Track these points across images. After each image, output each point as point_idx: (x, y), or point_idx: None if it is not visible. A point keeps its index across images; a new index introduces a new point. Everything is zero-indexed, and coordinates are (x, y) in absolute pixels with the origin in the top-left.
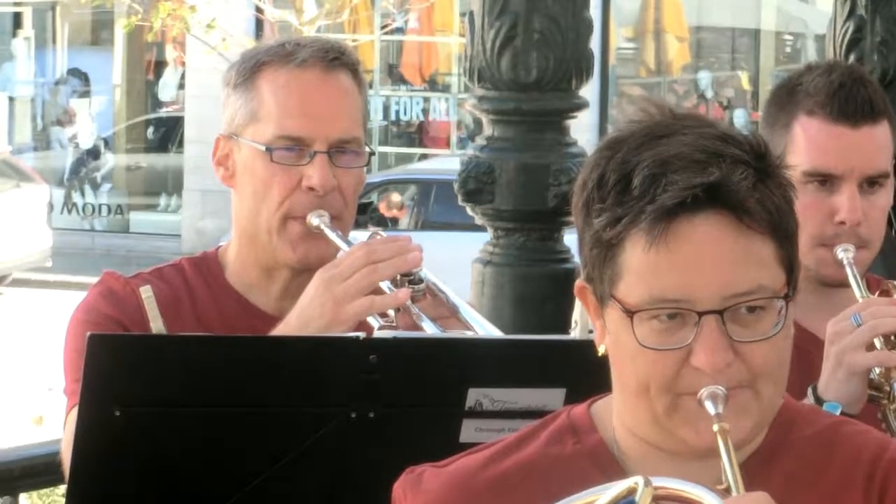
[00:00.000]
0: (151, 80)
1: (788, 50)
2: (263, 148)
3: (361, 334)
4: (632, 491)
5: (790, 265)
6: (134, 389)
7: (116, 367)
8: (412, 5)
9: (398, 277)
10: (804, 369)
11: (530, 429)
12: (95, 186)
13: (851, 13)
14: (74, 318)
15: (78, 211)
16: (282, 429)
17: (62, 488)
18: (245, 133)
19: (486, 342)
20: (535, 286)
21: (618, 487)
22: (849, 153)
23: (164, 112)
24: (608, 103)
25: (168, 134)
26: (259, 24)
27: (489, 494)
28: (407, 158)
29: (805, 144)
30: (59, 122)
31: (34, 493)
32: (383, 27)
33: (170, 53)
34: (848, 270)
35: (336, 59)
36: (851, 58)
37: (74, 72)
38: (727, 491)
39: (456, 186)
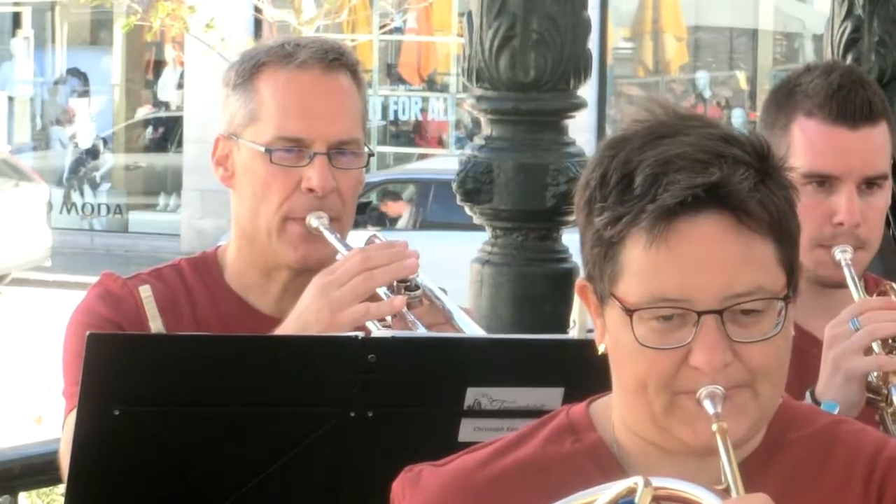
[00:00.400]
0: (151, 79)
1: (786, 50)
2: (263, 149)
3: (360, 334)
4: (631, 491)
5: (791, 267)
6: (133, 389)
7: (115, 367)
8: (410, 5)
9: (395, 283)
10: (802, 370)
11: (529, 428)
12: (94, 186)
13: (849, 13)
14: (73, 321)
15: (77, 210)
16: (281, 428)
17: (61, 487)
18: (244, 133)
19: (485, 342)
20: (534, 286)
21: (617, 487)
22: (847, 155)
23: (146, 115)
24: (606, 103)
25: (167, 134)
26: (258, 24)
27: (487, 493)
28: (405, 158)
29: (803, 146)
30: (59, 122)
31: (34, 493)
32: (382, 27)
33: (169, 53)
34: (846, 271)
35: (335, 59)
36: (849, 58)
37: (73, 71)
38: (726, 491)
39: (454, 186)
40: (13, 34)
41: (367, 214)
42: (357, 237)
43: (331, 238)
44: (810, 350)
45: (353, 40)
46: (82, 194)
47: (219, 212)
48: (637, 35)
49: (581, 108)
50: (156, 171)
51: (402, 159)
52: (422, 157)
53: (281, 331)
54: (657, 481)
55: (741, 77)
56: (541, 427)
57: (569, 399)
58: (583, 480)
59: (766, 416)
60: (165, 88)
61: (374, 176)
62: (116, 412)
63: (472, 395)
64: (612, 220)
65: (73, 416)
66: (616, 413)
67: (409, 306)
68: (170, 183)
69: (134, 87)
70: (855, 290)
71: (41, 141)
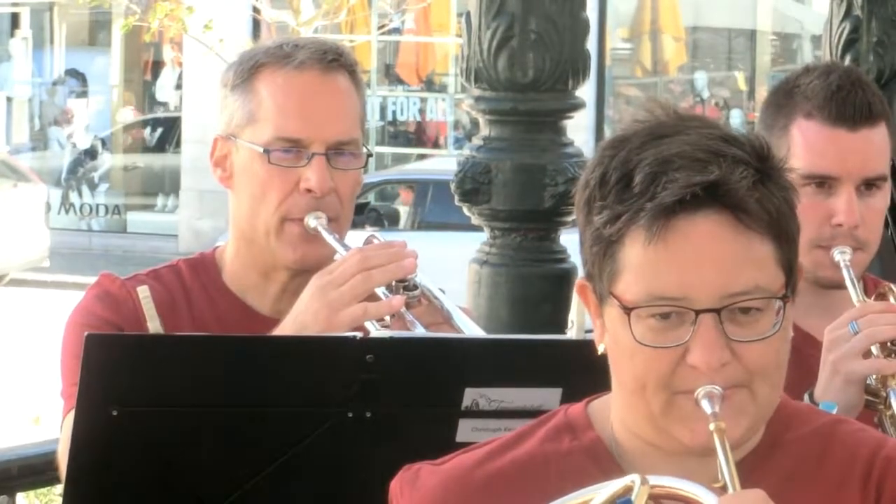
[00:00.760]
0: (149, 80)
1: (784, 50)
2: (261, 149)
3: (358, 334)
4: (628, 489)
5: (789, 266)
6: (131, 389)
7: (114, 367)
8: (409, 6)
9: (393, 283)
10: (801, 370)
11: (527, 427)
12: (93, 186)
13: (847, 14)
14: (71, 322)
15: (75, 211)
16: (279, 428)
17: (59, 488)
18: (243, 134)
19: (483, 342)
20: (532, 286)
21: (614, 486)
22: (846, 156)
23: (126, 119)
24: (604, 104)
25: (166, 134)
26: (256, 25)
27: (485, 491)
28: (403, 159)
29: (803, 147)
30: (57, 123)
31: (31, 493)
32: (380, 27)
33: (167, 54)
34: (845, 273)
35: (334, 60)
36: (847, 58)
37: (72, 72)
38: (723, 489)
39: (453, 186)
40: (11, 35)
41: (366, 215)
42: (355, 237)
43: (329, 238)
44: (809, 351)
45: (351, 41)
46: (80, 195)
47: (217, 212)
48: (635, 36)
49: (579, 109)
50: (154, 172)
51: (400, 160)
52: (420, 157)
53: (279, 331)
54: (654, 479)
55: (739, 78)
56: (539, 426)
57: (567, 399)
58: (580, 478)
59: (764, 417)
60: (163, 89)
61: (372, 176)
62: (114, 412)
63: (471, 396)
64: (611, 218)
65: (71, 416)
66: (615, 413)
67: (407, 306)
68: (168, 183)
69: (132, 87)
70: (854, 292)
71: (39, 141)
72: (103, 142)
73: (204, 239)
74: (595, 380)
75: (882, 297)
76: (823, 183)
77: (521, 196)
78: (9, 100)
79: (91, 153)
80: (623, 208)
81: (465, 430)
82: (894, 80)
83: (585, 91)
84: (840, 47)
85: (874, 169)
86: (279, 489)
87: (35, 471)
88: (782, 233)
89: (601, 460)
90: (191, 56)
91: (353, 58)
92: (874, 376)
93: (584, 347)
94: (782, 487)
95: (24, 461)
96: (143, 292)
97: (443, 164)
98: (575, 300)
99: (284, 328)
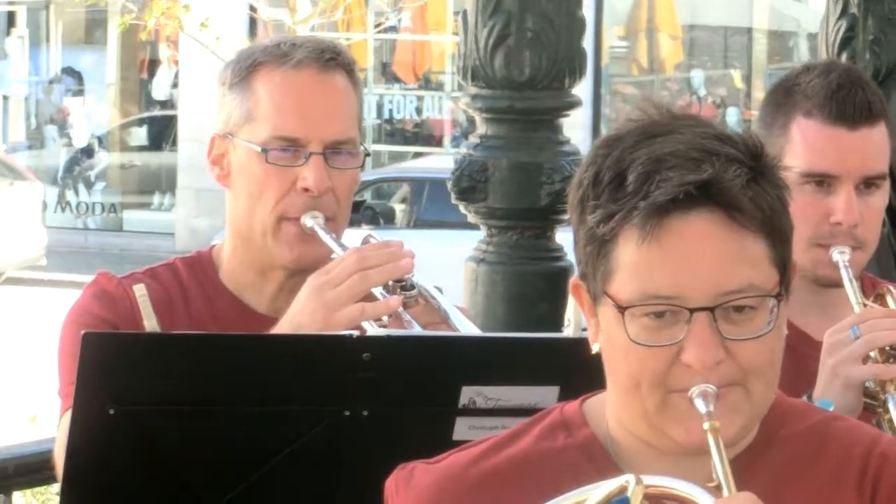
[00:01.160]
0: (145, 78)
1: (781, 49)
2: (259, 148)
3: (355, 332)
4: (623, 489)
5: (783, 265)
6: (128, 388)
7: (111, 366)
8: (405, 4)
9: (390, 283)
10: (797, 369)
11: (522, 425)
12: (89, 185)
13: (844, 12)
14: (68, 320)
15: (72, 209)
16: (276, 427)
17: (56, 486)
18: (240, 133)
19: (480, 340)
20: (529, 284)
21: (609, 486)
22: (846, 155)
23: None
24: (601, 102)
25: (162, 133)
26: (253, 23)
27: (480, 489)
28: (400, 157)
29: (802, 146)
30: (53, 121)
31: (28, 492)
32: (377, 26)
33: (163, 52)
34: (843, 273)
35: (332, 59)
36: (844, 56)
37: (68, 70)
38: (718, 489)
39: (449, 185)
40: (8, 33)
41: (361, 213)
42: (352, 236)
43: (326, 238)
44: (805, 349)
45: (347, 39)
46: (77, 193)
47: (213, 211)
48: (632, 34)
49: (576, 107)
50: (150, 170)
51: (397, 158)
52: (417, 155)
53: (276, 331)
54: (648, 479)
55: (736, 76)
56: (534, 424)
57: (564, 397)
58: (575, 475)
59: (758, 415)
60: (160, 87)
61: (368, 174)
62: (111, 411)
63: (467, 394)
64: (604, 217)
65: (68, 415)
66: (610, 411)
67: (404, 306)
68: (164, 182)
69: (128, 86)
70: (852, 292)
71: (36, 140)
72: (100, 140)
73: (200, 237)
74: (592, 377)
75: (881, 297)
76: (822, 181)
77: (517, 194)
78: (5, 98)
79: (87, 151)
80: (616, 207)
81: (462, 428)
82: (890, 78)
83: (582, 89)
84: (836, 45)
85: (873, 168)
86: (276, 487)
87: (32, 470)
88: (776, 231)
89: (596, 458)
90: (187, 54)
91: (351, 57)
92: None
93: (581, 345)
94: (777, 484)
95: (21, 460)
96: (140, 291)
97: (439, 162)
98: (571, 298)
99: (281, 328)
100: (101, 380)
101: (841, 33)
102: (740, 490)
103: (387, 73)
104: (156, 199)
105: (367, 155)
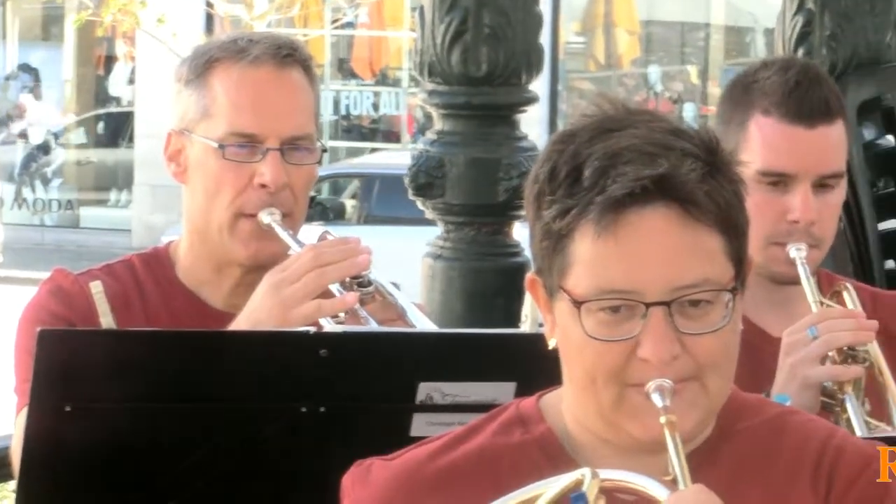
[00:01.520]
0: (102, 75)
1: (738, 44)
2: (216, 144)
3: (312, 329)
4: (578, 483)
5: (739, 259)
6: (84, 385)
7: (67, 363)
8: (362, 0)
9: (347, 280)
10: (754, 365)
11: (478, 421)
12: (46, 182)
13: (800, 7)
14: (24, 317)
15: (28, 206)
16: (232, 424)
17: (13, 484)
18: (197, 129)
19: (437, 336)
20: (486, 280)
21: (564, 480)
22: (803, 154)
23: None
24: (558, 98)
25: (119, 129)
26: (209, 19)
27: (437, 484)
28: (357, 153)
29: (760, 144)
30: (10, 118)
31: None
32: (334, 22)
33: (120, 48)
34: (800, 270)
35: (289, 55)
36: (800, 52)
37: (25, 67)
38: (674, 482)
39: (406, 181)
40: None
41: (312, 209)
42: (309, 232)
43: (283, 234)
44: (763, 346)
45: (304, 35)
46: (33, 190)
47: (170, 207)
48: (588, 29)
49: (533, 103)
50: (107, 167)
51: (354, 154)
52: (373, 151)
53: (233, 328)
54: (604, 473)
55: (693, 71)
56: (490, 420)
57: (521, 393)
58: (532, 471)
59: (715, 409)
60: (116, 84)
61: (321, 170)
62: (68, 408)
63: (425, 390)
64: (560, 212)
65: (24, 412)
66: (567, 407)
67: (361, 302)
68: (121, 178)
69: (85, 82)
70: (809, 290)
71: None
72: (56, 137)
73: (157, 234)
74: (548, 373)
75: (837, 295)
76: (779, 180)
77: (474, 190)
78: None
79: (44, 148)
80: (572, 202)
81: (420, 424)
82: (847, 73)
83: (539, 85)
84: (793, 41)
85: (830, 167)
86: (233, 484)
87: None
88: (731, 225)
89: (553, 454)
90: (144, 51)
91: (308, 53)
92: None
93: (538, 341)
94: (734, 478)
95: None
96: (96, 287)
97: (389, 158)
98: (528, 294)
99: (238, 325)
100: (58, 377)
101: (798, 29)
102: (694, 484)
103: (344, 70)
104: (112, 195)
105: (324, 151)
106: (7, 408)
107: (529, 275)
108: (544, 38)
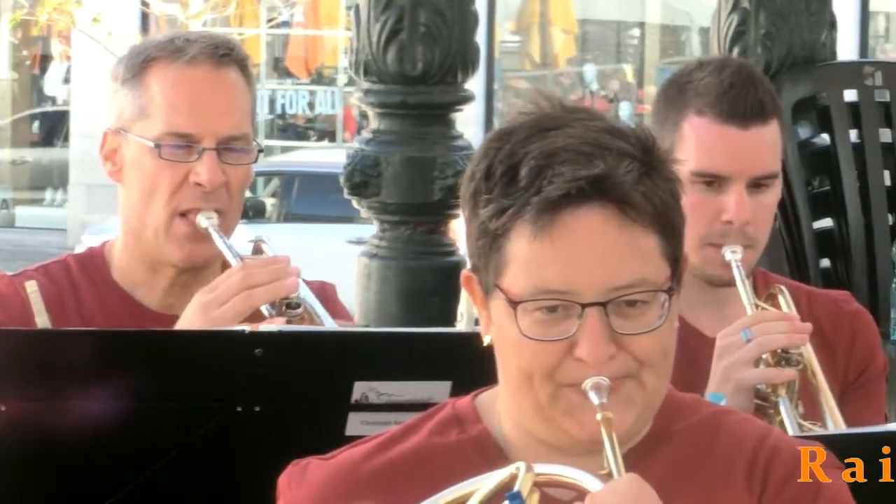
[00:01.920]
0: (37, 74)
1: (673, 43)
2: (152, 144)
3: (247, 328)
4: (513, 477)
5: (675, 259)
6: (19, 385)
7: (1, 363)
8: None
9: (276, 301)
10: (691, 367)
11: (414, 420)
12: None
13: (735, 6)
14: None
15: None
16: (168, 423)
17: None
18: (133, 128)
19: (372, 335)
20: (421, 279)
21: (499, 475)
22: (738, 154)
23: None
24: (494, 97)
25: (54, 128)
26: (145, 18)
27: (373, 484)
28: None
29: (694, 144)
30: None
31: None
32: (269, 21)
33: (56, 48)
34: (735, 273)
35: (225, 55)
36: (735, 51)
37: None
38: (609, 476)
39: (342, 179)
40: None
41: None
42: (244, 236)
43: (219, 243)
44: (699, 347)
45: (240, 34)
46: None
47: (105, 206)
48: (524, 28)
49: (468, 102)
50: (42, 166)
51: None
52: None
53: None
54: (539, 467)
55: (628, 70)
56: (426, 419)
57: (456, 392)
58: (468, 471)
59: (652, 407)
60: (52, 83)
61: None
62: (2, 408)
63: (360, 389)
64: (497, 212)
65: None
66: (502, 406)
67: (289, 324)
68: (56, 178)
69: (20, 81)
70: (744, 292)
71: None
72: None
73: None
74: (484, 372)
75: (772, 297)
76: (714, 180)
77: (410, 189)
78: None
79: None
80: (508, 202)
81: (355, 423)
82: (782, 72)
83: (475, 84)
84: (728, 40)
85: (764, 168)
86: (169, 484)
87: None
88: (667, 225)
89: (489, 453)
90: (79, 50)
91: (245, 52)
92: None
93: (474, 340)
94: (669, 477)
95: None
96: (32, 287)
97: (308, 156)
98: (464, 292)
99: None
100: None
101: (733, 28)
102: (629, 473)
103: (279, 69)
104: (48, 194)
105: (260, 150)
106: None
107: (465, 271)
108: (480, 37)
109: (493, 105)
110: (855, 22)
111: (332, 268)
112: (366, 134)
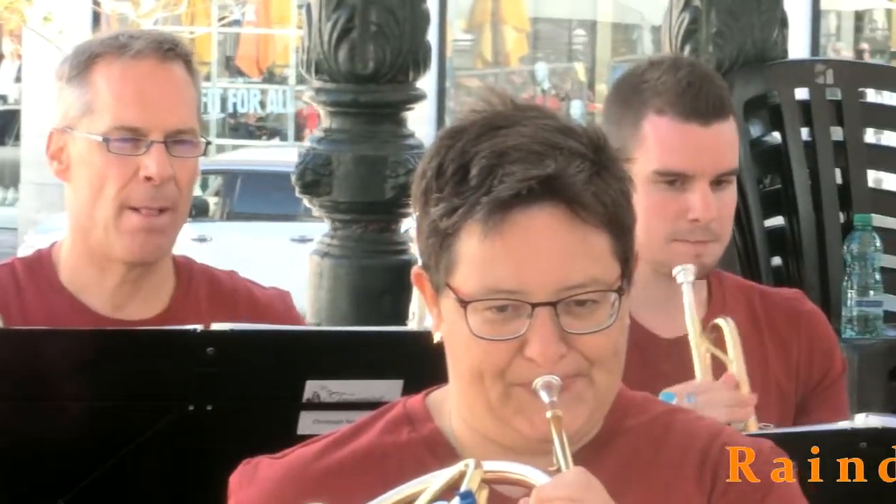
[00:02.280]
0: None
1: (625, 42)
2: (100, 139)
3: (199, 327)
4: (462, 474)
5: (625, 258)
6: None
7: None
8: None
9: None
10: (642, 366)
11: (366, 419)
12: None
13: (687, 5)
14: None
15: None
16: (118, 422)
17: None
18: (80, 126)
19: (323, 334)
20: (373, 278)
21: (449, 473)
22: (700, 152)
23: None
24: (445, 95)
25: (5, 127)
26: (97, 17)
27: (324, 482)
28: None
29: (656, 144)
30: None
31: None
32: (221, 19)
33: (7, 46)
34: (685, 295)
35: (170, 50)
36: (687, 49)
37: None
38: (557, 472)
39: (293, 178)
40: None
41: None
42: (187, 233)
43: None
44: (650, 347)
45: (191, 33)
46: None
47: (57, 205)
48: (476, 27)
49: (420, 100)
50: None
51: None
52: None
53: None
54: (488, 464)
55: (580, 69)
56: (377, 418)
57: (408, 391)
58: (419, 469)
59: (603, 405)
60: (3, 82)
61: None
62: None
63: (311, 388)
64: (447, 211)
65: None
66: (453, 405)
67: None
68: (7, 177)
69: None
70: (689, 317)
71: None
72: None
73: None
74: (435, 371)
75: (717, 330)
76: (676, 179)
77: (362, 188)
78: None
79: None
80: (459, 201)
81: (307, 422)
82: (734, 70)
83: (426, 83)
84: (680, 38)
85: (727, 164)
86: (120, 483)
87: None
88: (618, 225)
89: (440, 452)
90: (30, 48)
91: (189, 48)
92: None
93: (425, 338)
94: (620, 473)
95: None
96: None
97: (251, 154)
98: (416, 291)
99: None
100: None
101: (684, 26)
102: (577, 466)
103: (230, 67)
104: None
105: (209, 144)
106: None
107: (416, 268)
108: (431, 36)
109: (445, 104)
110: (806, 20)
111: (276, 266)
112: (317, 133)
